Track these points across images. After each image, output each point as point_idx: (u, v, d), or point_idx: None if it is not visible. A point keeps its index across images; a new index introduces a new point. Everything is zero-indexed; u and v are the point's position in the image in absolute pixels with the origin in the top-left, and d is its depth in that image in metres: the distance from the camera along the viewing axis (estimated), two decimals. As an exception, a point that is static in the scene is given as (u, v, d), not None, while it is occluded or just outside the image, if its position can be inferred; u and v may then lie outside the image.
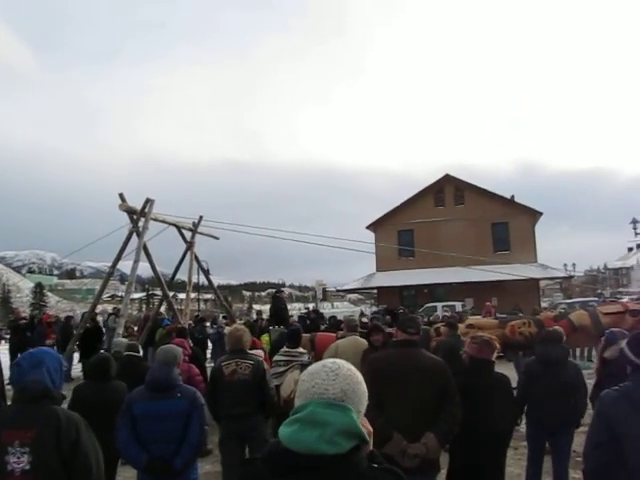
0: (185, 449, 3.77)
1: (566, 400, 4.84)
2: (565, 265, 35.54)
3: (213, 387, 4.88)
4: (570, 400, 4.86)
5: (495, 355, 4.22)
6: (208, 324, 16.66)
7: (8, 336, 13.71)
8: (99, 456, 2.63)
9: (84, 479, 2.51)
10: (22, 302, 48.61)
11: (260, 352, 6.53)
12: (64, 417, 2.53)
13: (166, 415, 3.75)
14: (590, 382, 5.06)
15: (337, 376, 1.48)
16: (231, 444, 4.78)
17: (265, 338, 9.83)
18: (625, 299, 18.32)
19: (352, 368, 1.54)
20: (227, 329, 9.54)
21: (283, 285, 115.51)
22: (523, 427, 5.43)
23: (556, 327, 6.36)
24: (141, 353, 6.77)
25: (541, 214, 30.19)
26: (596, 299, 21.46)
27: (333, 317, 15.93)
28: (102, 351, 6.98)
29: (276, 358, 6.08)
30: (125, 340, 7.60)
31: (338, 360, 1.56)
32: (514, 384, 5.02)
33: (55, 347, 12.58)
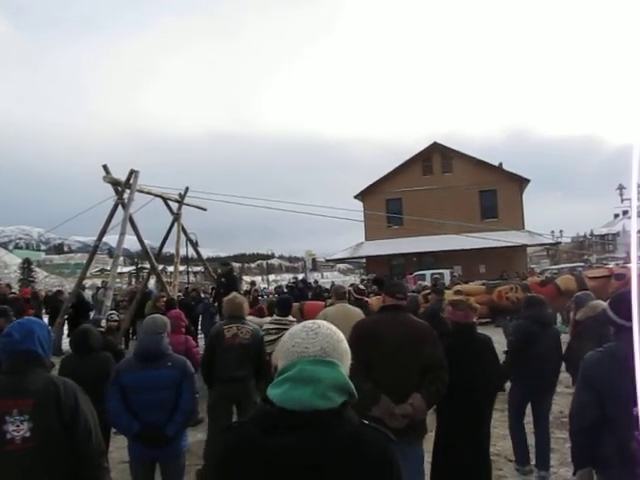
0: (177, 417, 3.78)
1: (552, 361, 4.99)
2: (552, 232, 35.81)
3: (212, 350, 4.97)
4: (553, 361, 4.99)
5: (476, 317, 4.24)
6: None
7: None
8: (97, 421, 2.66)
9: (86, 443, 2.54)
10: (10, 278, 48.10)
11: (267, 319, 6.60)
12: (61, 384, 2.55)
13: (157, 385, 3.74)
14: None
15: (316, 335, 1.50)
16: (222, 406, 4.88)
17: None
18: (611, 264, 18.53)
19: (333, 327, 1.56)
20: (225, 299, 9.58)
21: (272, 256, 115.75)
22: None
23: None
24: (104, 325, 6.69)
25: (529, 181, 30.29)
26: (583, 264, 21.71)
27: (318, 287, 16.20)
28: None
29: (266, 326, 6.10)
30: (99, 316, 7.76)
31: (319, 321, 1.57)
32: (504, 349, 5.11)
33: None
